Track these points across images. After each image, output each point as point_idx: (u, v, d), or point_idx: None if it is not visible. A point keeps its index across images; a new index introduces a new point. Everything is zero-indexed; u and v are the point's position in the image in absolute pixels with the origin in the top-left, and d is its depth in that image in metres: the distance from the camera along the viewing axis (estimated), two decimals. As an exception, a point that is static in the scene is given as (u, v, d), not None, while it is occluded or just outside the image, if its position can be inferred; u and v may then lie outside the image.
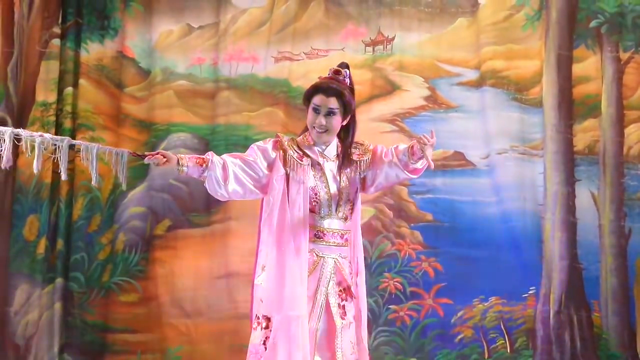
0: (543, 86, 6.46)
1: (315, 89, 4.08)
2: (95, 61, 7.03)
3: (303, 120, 6.66)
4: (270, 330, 3.98)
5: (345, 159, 4.11)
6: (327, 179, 4.06)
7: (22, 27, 6.91)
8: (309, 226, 4.01)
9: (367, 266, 6.47)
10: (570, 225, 6.34)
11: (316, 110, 4.05)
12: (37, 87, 6.95)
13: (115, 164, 4.12)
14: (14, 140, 6.73)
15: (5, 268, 6.78)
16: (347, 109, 4.07)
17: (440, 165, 6.53)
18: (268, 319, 4.01)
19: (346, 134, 4.12)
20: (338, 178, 4.07)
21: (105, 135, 6.97)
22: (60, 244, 6.81)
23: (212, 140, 6.91)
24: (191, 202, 6.87)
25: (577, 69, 6.46)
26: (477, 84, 6.59)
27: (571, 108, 6.43)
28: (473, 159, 6.55)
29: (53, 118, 6.91)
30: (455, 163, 6.56)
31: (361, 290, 4.17)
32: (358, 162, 4.14)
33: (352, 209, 4.10)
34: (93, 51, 7.03)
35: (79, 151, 6.76)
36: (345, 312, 4.06)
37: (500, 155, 6.48)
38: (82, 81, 6.99)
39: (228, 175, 4.00)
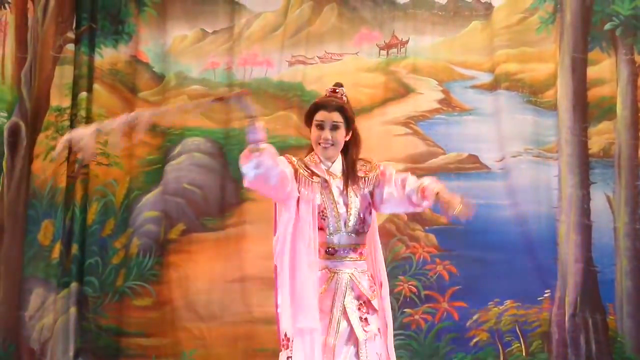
0: (558, 89, 6.45)
1: (316, 106, 4.09)
2: (109, 66, 7.06)
3: (317, 124, 6.80)
4: (291, 350, 3.97)
5: (351, 174, 4.13)
6: (334, 196, 4.08)
7: (37, 32, 6.93)
8: (320, 244, 4.03)
9: (382, 269, 6.50)
10: (585, 228, 6.32)
11: (320, 126, 4.06)
12: (52, 92, 6.97)
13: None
14: (29, 144, 6.84)
15: (19, 272, 6.81)
16: (349, 123, 4.11)
17: (455, 168, 6.54)
18: (289, 339, 3.99)
19: (350, 150, 4.16)
20: (345, 194, 4.09)
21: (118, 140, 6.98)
22: (75, 248, 6.83)
23: (226, 145, 6.93)
24: (205, 206, 6.89)
25: (592, 71, 6.45)
26: (491, 87, 6.59)
27: (586, 111, 6.42)
28: (487, 162, 6.55)
29: (67, 123, 6.93)
30: (469, 166, 6.56)
31: (386, 302, 4.16)
32: (365, 178, 4.15)
33: (362, 224, 4.10)
34: (107, 56, 7.06)
35: (94, 155, 6.89)
36: (369, 324, 4.05)
37: (514, 158, 6.47)
38: (96, 86, 7.02)
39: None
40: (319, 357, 3.91)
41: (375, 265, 4.19)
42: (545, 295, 6.34)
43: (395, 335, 6.34)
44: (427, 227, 6.57)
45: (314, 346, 3.91)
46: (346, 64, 6.83)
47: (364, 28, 6.84)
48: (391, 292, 6.36)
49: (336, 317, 4.01)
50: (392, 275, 6.50)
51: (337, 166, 4.14)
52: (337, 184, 4.09)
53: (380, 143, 6.44)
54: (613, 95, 6.42)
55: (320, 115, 4.05)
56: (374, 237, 4.19)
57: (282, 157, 4.00)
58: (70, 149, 6.87)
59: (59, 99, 6.96)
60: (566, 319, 6.28)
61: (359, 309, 4.05)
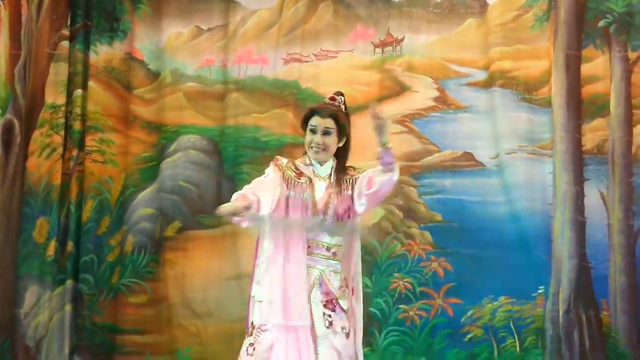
0: (552, 86, 6.46)
1: (312, 112, 4.34)
2: (105, 63, 7.06)
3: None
4: (254, 338, 4.21)
5: (336, 178, 4.34)
6: (314, 196, 4.28)
7: (31, 29, 6.92)
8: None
9: (377, 266, 6.52)
10: (579, 224, 6.34)
11: (313, 131, 4.29)
12: (46, 89, 6.97)
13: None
14: (24, 141, 6.84)
15: (14, 270, 6.80)
16: (342, 131, 4.34)
17: (450, 166, 6.56)
18: (254, 327, 4.24)
19: (341, 156, 4.38)
20: (327, 195, 4.28)
21: (114, 137, 7.00)
22: (70, 245, 6.83)
23: (221, 142, 6.94)
24: (201, 203, 6.89)
25: (586, 68, 6.46)
26: (486, 85, 6.60)
27: (580, 108, 6.43)
28: (482, 159, 6.56)
29: (62, 120, 6.93)
30: (464, 163, 6.57)
31: (357, 310, 4.33)
32: (348, 181, 4.33)
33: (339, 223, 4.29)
34: (102, 53, 7.06)
35: (89, 153, 6.90)
36: (332, 322, 4.20)
37: (509, 155, 6.48)
38: (91, 83, 7.02)
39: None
40: (303, 352, 4.08)
41: (350, 270, 4.36)
42: (540, 291, 6.36)
43: (389, 332, 6.49)
44: (422, 225, 6.58)
45: (299, 341, 4.09)
46: (341, 61, 6.84)
47: (359, 26, 6.85)
48: (386, 289, 6.50)
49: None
50: (387, 273, 6.57)
51: (326, 169, 4.37)
52: (321, 185, 4.31)
53: (375, 141, 6.44)
54: (607, 92, 6.42)
55: (314, 120, 4.30)
56: (353, 244, 4.37)
57: (259, 178, 4.29)
58: (66, 145, 6.92)
59: (54, 96, 6.96)
60: (560, 315, 6.30)
61: (325, 305, 4.23)
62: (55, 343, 6.73)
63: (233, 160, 6.88)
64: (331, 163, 4.38)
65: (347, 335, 4.22)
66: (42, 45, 6.98)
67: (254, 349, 4.20)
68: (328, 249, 4.28)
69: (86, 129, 6.98)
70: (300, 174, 4.30)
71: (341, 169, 4.35)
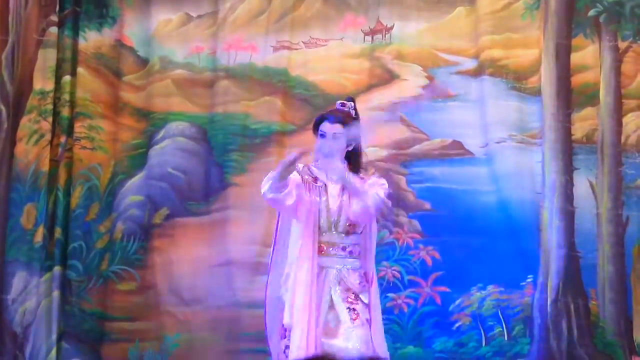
0: (542, 75, 6.44)
1: (322, 118, 4.46)
2: (94, 49, 7.02)
3: (301, 109, 6.81)
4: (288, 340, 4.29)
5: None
6: (328, 198, 4.39)
7: (19, 15, 6.89)
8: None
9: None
10: (568, 213, 6.34)
11: (323, 136, 4.41)
12: (35, 75, 6.93)
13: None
14: (12, 127, 6.80)
15: (2, 256, 6.78)
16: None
17: (439, 155, 6.55)
18: (285, 329, 4.33)
19: (352, 160, 4.49)
20: (339, 198, 4.39)
21: (103, 123, 6.97)
22: (58, 232, 6.81)
23: (210, 129, 6.92)
24: (189, 190, 6.88)
25: (576, 57, 6.45)
26: (476, 73, 6.59)
27: (569, 97, 6.43)
28: (471, 148, 6.55)
29: (51, 106, 6.90)
30: (453, 152, 6.56)
31: (375, 300, 4.41)
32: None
33: (352, 226, 4.39)
34: (91, 39, 7.02)
35: (78, 139, 6.87)
36: (358, 315, 4.31)
37: (498, 144, 6.46)
38: (80, 69, 6.98)
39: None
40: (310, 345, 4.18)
41: (367, 264, 4.46)
42: (528, 280, 6.37)
43: (378, 320, 6.48)
44: (410, 213, 6.58)
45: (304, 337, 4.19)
46: (331, 49, 6.82)
47: (349, 13, 6.83)
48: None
49: (324, 309, 4.28)
50: (375, 261, 6.49)
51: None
52: (333, 188, 4.42)
53: (365, 129, 6.43)
54: (596, 81, 6.42)
55: (324, 127, 4.41)
56: (365, 239, 4.47)
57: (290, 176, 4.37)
58: (54, 132, 6.89)
59: (42, 82, 6.92)
60: (548, 304, 6.30)
61: (347, 299, 4.33)
62: (43, 329, 6.71)
63: (222, 147, 6.86)
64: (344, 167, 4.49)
65: (370, 326, 4.30)
66: (30, 31, 6.94)
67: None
68: (344, 248, 4.39)
69: (75, 115, 6.95)
70: (315, 179, 4.43)
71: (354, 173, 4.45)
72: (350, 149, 4.44)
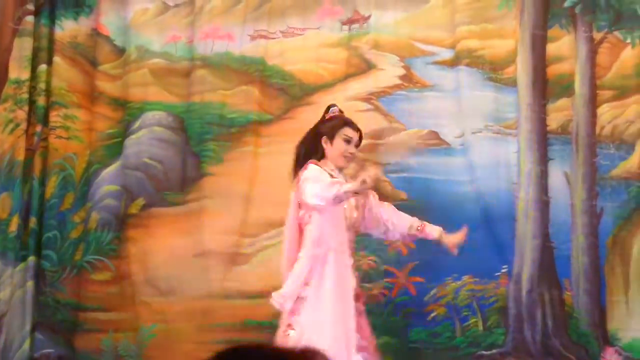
0: (517, 65, 6.43)
1: (345, 123, 4.88)
2: (70, 38, 6.99)
3: (278, 99, 6.78)
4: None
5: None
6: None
7: (-5, 3, 6.85)
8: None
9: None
10: (543, 204, 6.34)
11: (348, 141, 4.85)
12: (10, 64, 6.90)
13: None
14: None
15: (-25, 246, 6.75)
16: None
17: (415, 145, 6.54)
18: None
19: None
20: (354, 203, 4.98)
21: (79, 113, 6.94)
22: (32, 222, 6.76)
23: (187, 119, 6.88)
24: (166, 180, 6.85)
25: (551, 48, 6.44)
26: (452, 63, 6.57)
27: (545, 87, 6.42)
28: (447, 138, 6.53)
29: (26, 95, 6.86)
30: (429, 142, 6.55)
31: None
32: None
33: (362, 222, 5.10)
34: (67, 28, 6.99)
35: (53, 128, 6.83)
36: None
37: (474, 135, 6.45)
38: (56, 58, 6.95)
39: None
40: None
41: None
42: (503, 270, 6.35)
43: (353, 310, 6.45)
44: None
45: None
46: (308, 39, 6.79)
47: (327, 3, 6.80)
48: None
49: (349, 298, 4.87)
50: (353, 251, 6.53)
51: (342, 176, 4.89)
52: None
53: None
54: (572, 72, 6.40)
55: (349, 132, 4.86)
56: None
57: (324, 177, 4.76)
58: (30, 121, 6.85)
59: (18, 71, 6.88)
60: (523, 294, 6.30)
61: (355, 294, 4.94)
62: (17, 320, 6.67)
63: (199, 137, 6.83)
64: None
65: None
66: (6, 19, 6.90)
67: None
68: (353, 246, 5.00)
69: (50, 104, 6.91)
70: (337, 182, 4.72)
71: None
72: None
